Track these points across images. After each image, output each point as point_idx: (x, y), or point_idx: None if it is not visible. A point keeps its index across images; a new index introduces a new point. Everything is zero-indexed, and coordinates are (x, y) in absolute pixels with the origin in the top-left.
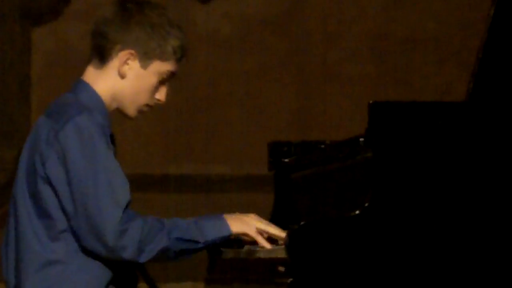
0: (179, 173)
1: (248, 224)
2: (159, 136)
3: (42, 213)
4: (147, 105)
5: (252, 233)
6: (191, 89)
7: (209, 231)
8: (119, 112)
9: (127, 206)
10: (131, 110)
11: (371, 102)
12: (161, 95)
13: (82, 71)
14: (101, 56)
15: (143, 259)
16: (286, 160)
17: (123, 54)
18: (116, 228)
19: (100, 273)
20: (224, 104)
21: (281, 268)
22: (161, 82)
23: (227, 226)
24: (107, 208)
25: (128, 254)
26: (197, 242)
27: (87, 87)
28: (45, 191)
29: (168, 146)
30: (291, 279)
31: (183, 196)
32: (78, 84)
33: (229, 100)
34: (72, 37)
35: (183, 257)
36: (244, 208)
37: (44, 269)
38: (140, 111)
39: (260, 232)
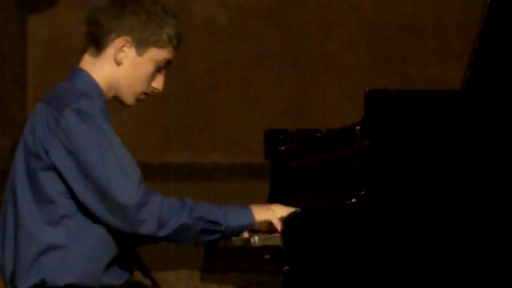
0: (175, 162)
1: (272, 212)
2: (155, 124)
3: (43, 199)
4: (144, 93)
5: (275, 220)
6: (188, 78)
7: (232, 216)
8: (117, 101)
9: (140, 182)
10: (128, 98)
11: (367, 90)
12: (157, 83)
13: (78, 59)
14: (97, 44)
15: (162, 233)
16: (282, 148)
17: (118, 41)
18: (134, 201)
19: (97, 258)
20: (220, 93)
21: (267, 256)
22: (158, 70)
23: (251, 214)
24: (120, 183)
25: (147, 228)
26: (219, 224)
27: (85, 74)
28: (47, 178)
29: (165, 134)
30: (287, 267)
31: (179, 184)
32: (75, 72)
33: (226, 89)
34: (68, 25)
35: (205, 238)
36: (241, 196)
37: (44, 255)
38: (138, 99)
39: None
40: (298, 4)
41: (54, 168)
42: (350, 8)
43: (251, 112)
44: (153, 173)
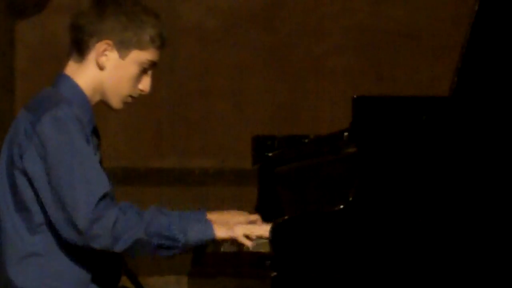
0: (164, 167)
1: (233, 230)
2: (142, 129)
3: (21, 206)
4: (130, 96)
5: (239, 238)
6: (175, 82)
7: (192, 232)
8: (104, 104)
9: (105, 197)
10: (114, 102)
11: (355, 96)
12: (144, 85)
13: (65, 64)
14: (79, 49)
15: (118, 248)
16: (270, 154)
17: (99, 45)
18: (87, 217)
19: (81, 267)
20: (208, 97)
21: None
22: (143, 72)
23: (211, 230)
24: (80, 198)
25: (100, 242)
26: (177, 240)
27: (68, 81)
28: (23, 184)
29: (152, 139)
30: (274, 273)
31: (165, 189)
32: (59, 78)
33: (213, 94)
34: (56, 30)
35: (162, 253)
36: (228, 202)
37: (24, 261)
38: (124, 102)
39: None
40: (286, 8)
41: (25, 174)
42: (339, 13)
43: (238, 117)
44: (141, 179)
